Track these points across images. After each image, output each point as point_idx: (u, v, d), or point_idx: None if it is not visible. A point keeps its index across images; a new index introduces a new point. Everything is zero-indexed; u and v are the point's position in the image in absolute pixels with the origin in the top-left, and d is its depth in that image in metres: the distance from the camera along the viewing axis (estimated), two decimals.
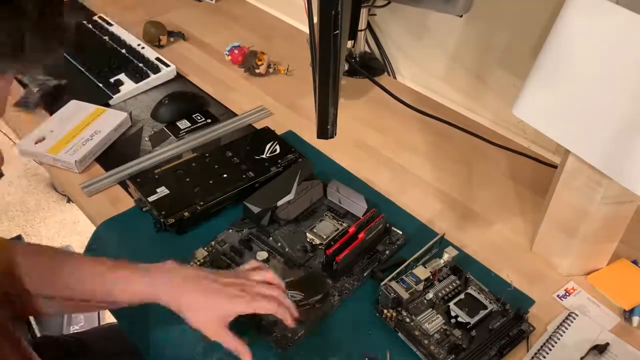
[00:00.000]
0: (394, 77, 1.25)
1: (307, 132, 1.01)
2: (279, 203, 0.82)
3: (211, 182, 0.87)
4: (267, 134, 0.99)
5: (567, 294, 0.77)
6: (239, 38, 1.25)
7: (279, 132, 1.01)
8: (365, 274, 0.77)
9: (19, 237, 1.82)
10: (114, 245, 0.81)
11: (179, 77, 1.18)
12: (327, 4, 0.60)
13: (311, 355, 0.68)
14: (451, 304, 0.71)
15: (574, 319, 0.72)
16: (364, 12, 1.13)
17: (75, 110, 1.04)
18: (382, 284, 0.71)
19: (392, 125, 1.06)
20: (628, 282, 0.77)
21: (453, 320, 0.70)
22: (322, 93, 0.69)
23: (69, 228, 1.98)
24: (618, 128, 0.62)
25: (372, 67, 1.22)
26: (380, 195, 0.90)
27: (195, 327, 0.62)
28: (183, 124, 1.03)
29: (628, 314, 0.74)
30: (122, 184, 0.90)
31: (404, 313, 0.71)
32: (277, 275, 0.68)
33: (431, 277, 0.74)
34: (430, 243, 0.77)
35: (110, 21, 1.32)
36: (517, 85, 1.01)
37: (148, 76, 1.14)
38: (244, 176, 0.89)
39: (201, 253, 0.78)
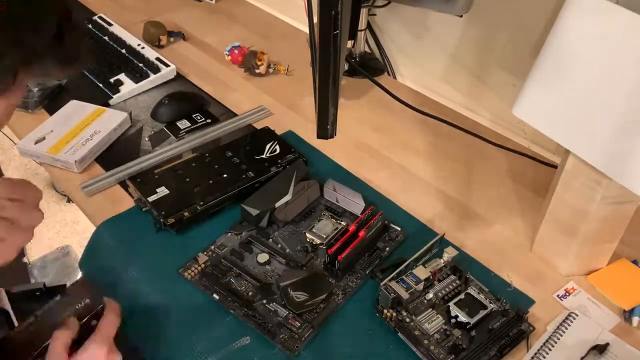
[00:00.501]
0: (394, 77, 1.25)
1: (307, 132, 1.01)
2: (277, 204, 0.82)
3: (211, 182, 0.87)
4: (267, 134, 0.99)
5: (567, 294, 0.77)
6: (239, 38, 1.25)
7: (279, 132, 1.01)
8: (367, 272, 0.77)
9: None
10: (114, 245, 0.81)
11: (179, 77, 1.18)
12: (327, 4, 0.60)
13: (316, 356, 0.68)
14: (451, 304, 0.71)
15: (574, 319, 0.72)
16: (364, 12, 1.13)
17: (75, 110, 1.04)
18: (382, 284, 0.71)
19: (392, 125, 1.06)
20: (628, 282, 0.77)
21: (453, 320, 0.70)
22: (322, 93, 0.69)
23: (69, 228, 1.98)
24: (618, 128, 0.62)
25: (372, 67, 1.22)
26: (380, 195, 0.90)
27: None
28: (183, 124, 1.03)
29: (628, 314, 0.74)
30: (122, 184, 0.90)
31: (404, 313, 0.71)
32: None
33: (431, 277, 0.74)
34: (430, 243, 0.77)
35: (110, 21, 1.32)
36: (517, 85, 1.01)
37: (148, 76, 1.14)
38: (244, 176, 0.89)
39: (202, 258, 0.78)
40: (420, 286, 0.73)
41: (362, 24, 1.15)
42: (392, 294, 0.70)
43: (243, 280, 0.75)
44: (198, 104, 1.09)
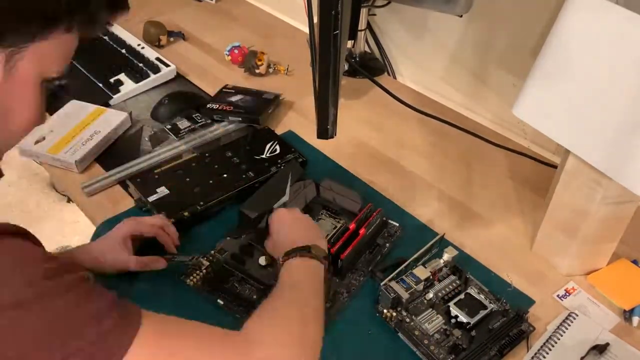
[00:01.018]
0: (394, 77, 1.25)
1: (307, 132, 1.01)
2: (275, 206, 0.82)
3: (211, 182, 0.87)
4: (267, 134, 0.99)
5: (567, 294, 0.77)
6: (239, 38, 1.25)
7: (279, 132, 1.01)
8: (370, 268, 0.77)
9: None
10: None
11: (179, 77, 1.18)
12: (327, 4, 0.60)
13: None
14: (451, 304, 0.71)
15: (574, 319, 0.72)
16: (364, 12, 1.13)
17: (75, 110, 1.04)
18: (382, 284, 0.71)
19: (392, 125, 1.06)
20: (628, 282, 0.77)
21: (453, 320, 0.70)
22: (322, 93, 0.69)
23: (69, 228, 1.98)
24: (618, 128, 0.62)
25: (372, 67, 1.22)
26: (380, 195, 0.90)
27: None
28: (183, 124, 1.03)
29: (628, 314, 0.74)
30: (122, 184, 0.90)
31: (404, 313, 0.71)
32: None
33: (431, 277, 0.74)
34: (430, 243, 0.77)
35: (110, 21, 1.32)
36: (517, 85, 1.01)
37: (148, 76, 1.14)
38: (244, 176, 0.89)
39: (203, 263, 0.77)
40: (420, 286, 0.73)
41: (362, 24, 1.15)
42: (392, 294, 0.70)
43: (246, 284, 0.75)
44: (198, 104, 1.09)
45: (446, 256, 0.76)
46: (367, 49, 1.24)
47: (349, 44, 1.19)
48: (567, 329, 0.71)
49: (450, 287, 0.74)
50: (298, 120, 1.06)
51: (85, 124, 1.00)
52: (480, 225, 0.87)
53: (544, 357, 0.68)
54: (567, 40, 0.65)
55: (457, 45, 1.11)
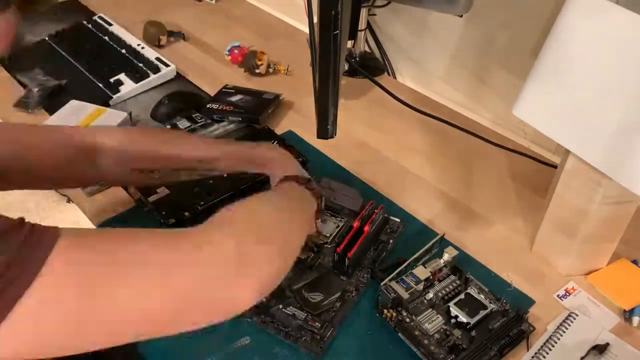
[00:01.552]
0: (394, 77, 1.25)
1: (307, 132, 1.01)
2: None
3: (211, 182, 0.87)
4: (267, 134, 0.99)
5: (567, 294, 0.77)
6: (239, 38, 1.25)
7: (279, 132, 1.01)
8: (376, 264, 0.77)
9: None
10: None
11: (179, 77, 1.18)
12: (327, 4, 0.60)
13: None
14: (451, 304, 0.71)
15: (574, 319, 0.72)
16: (364, 12, 1.13)
17: (75, 110, 1.04)
18: (382, 284, 0.71)
19: (392, 125, 1.06)
20: (628, 282, 0.77)
21: (453, 320, 0.70)
22: (322, 93, 0.69)
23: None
24: (618, 128, 0.62)
25: (372, 67, 1.22)
26: (380, 195, 0.90)
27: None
28: (183, 124, 1.03)
29: (628, 314, 0.74)
30: None
31: (404, 313, 0.71)
32: None
33: (431, 277, 0.74)
34: (430, 243, 0.77)
35: (110, 21, 1.32)
36: (517, 85, 1.01)
37: (148, 76, 1.14)
38: (244, 176, 0.89)
39: None
40: (420, 286, 0.73)
41: (362, 24, 1.15)
42: (392, 294, 0.70)
43: None
44: (198, 103, 1.09)
45: (446, 256, 0.76)
46: (367, 49, 1.24)
47: (349, 44, 1.19)
48: (567, 329, 0.71)
49: (450, 287, 0.74)
50: (298, 120, 1.06)
51: (85, 124, 1.00)
52: (480, 225, 0.87)
53: (544, 357, 0.68)
54: (567, 40, 0.65)
55: (457, 45, 1.11)
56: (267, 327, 0.70)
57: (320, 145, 0.98)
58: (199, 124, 1.03)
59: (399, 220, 0.84)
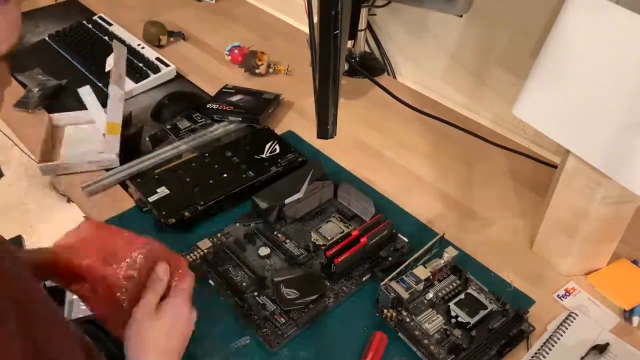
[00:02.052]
0: (394, 77, 1.25)
1: (307, 132, 1.01)
2: (287, 201, 0.82)
3: (211, 182, 0.87)
4: (267, 134, 0.99)
5: (567, 294, 0.77)
6: (239, 38, 1.25)
7: (279, 132, 1.01)
8: (364, 279, 0.76)
9: (19, 238, 1.82)
10: None
11: (179, 77, 1.18)
12: (327, 4, 0.60)
13: (297, 355, 0.68)
14: (451, 304, 0.71)
15: (574, 319, 0.72)
16: (364, 12, 1.13)
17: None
18: (382, 284, 0.71)
19: (392, 125, 1.06)
20: (628, 282, 0.77)
21: (453, 320, 0.70)
22: (322, 93, 0.69)
23: (69, 228, 1.98)
24: (618, 128, 0.62)
25: (372, 67, 1.22)
26: (380, 195, 0.90)
27: None
28: (183, 124, 1.03)
29: (628, 314, 0.74)
30: (122, 184, 0.90)
31: (404, 313, 0.71)
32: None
33: (431, 277, 0.74)
34: (430, 243, 0.77)
35: (110, 21, 1.32)
36: (517, 85, 1.01)
37: (148, 76, 1.14)
38: (244, 176, 0.89)
39: (205, 244, 0.79)
40: (420, 286, 0.73)
41: (362, 24, 1.15)
42: (392, 294, 0.70)
43: (240, 271, 0.76)
44: (198, 103, 1.09)
45: (446, 256, 0.76)
46: (367, 49, 1.24)
47: (349, 44, 1.19)
48: (567, 329, 0.71)
49: (450, 287, 0.74)
50: (298, 120, 1.06)
51: None
52: (480, 225, 0.87)
53: (544, 357, 0.68)
54: (567, 40, 0.65)
55: (457, 45, 1.11)
56: (237, 309, 0.71)
57: (320, 145, 0.98)
58: (199, 124, 1.03)
59: (406, 240, 0.81)
